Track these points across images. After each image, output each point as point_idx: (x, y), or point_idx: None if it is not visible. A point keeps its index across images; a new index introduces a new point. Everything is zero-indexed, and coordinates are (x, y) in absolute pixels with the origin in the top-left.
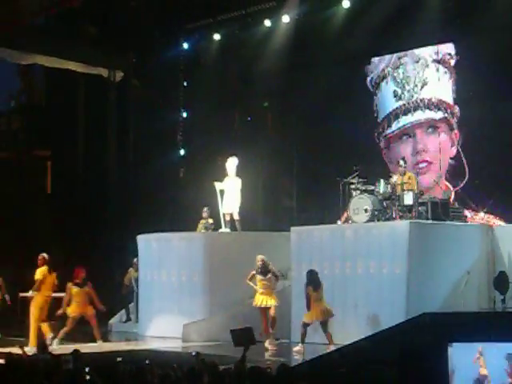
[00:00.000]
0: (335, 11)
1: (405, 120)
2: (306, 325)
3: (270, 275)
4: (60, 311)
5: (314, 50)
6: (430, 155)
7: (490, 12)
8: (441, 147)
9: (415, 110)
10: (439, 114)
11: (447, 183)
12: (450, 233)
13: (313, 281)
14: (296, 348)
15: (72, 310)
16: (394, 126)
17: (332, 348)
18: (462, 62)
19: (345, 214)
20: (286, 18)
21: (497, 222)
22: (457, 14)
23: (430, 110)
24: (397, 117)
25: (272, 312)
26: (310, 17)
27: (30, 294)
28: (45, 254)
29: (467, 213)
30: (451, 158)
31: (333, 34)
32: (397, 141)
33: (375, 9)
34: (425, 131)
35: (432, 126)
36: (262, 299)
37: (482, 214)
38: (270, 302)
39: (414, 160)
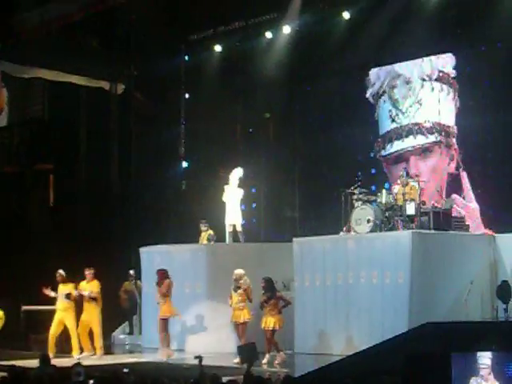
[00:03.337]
0: (336, 22)
1: (397, 146)
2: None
3: (240, 290)
4: None
5: (315, 61)
6: (424, 177)
7: (491, 22)
8: (434, 168)
9: (407, 135)
10: (432, 138)
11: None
12: (452, 242)
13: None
14: (278, 359)
15: None
16: (388, 150)
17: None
18: (464, 73)
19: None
20: (286, 29)
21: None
22: (457, 24)
23: (423, 134)
24: (390, 140)
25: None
26: (311, 28)
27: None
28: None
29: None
30: (451, 174)
31: (334, 45)
32: (392, 163)
33: (376, 19)
34: (417, 155)
35: (425, 149)
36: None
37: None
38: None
39: None
